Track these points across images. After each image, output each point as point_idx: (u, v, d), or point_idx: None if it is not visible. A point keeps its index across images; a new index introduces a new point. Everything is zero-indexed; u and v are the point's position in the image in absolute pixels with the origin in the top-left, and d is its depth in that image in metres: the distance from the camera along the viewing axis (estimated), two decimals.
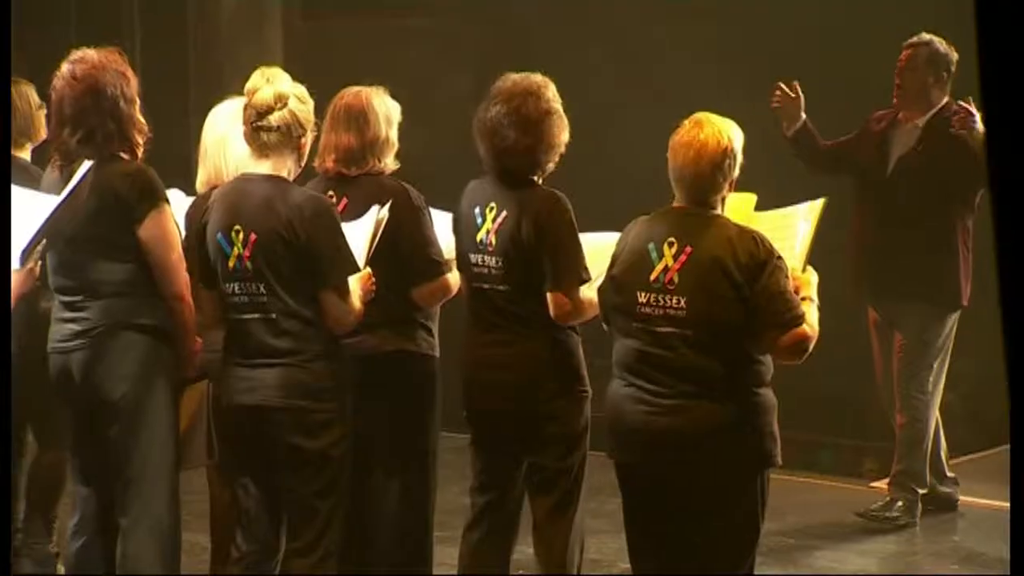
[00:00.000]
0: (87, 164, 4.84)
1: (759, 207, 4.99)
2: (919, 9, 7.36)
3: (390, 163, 5.31)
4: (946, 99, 6.87)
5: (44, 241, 4.69)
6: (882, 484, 7.28)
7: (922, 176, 6.78)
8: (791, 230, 4.93)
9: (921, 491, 7.03)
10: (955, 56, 6.81)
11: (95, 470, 5.11)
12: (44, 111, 6.04)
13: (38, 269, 4.66)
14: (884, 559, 6.74)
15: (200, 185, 5.50)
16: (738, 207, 4.85)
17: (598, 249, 5.01)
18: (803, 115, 6.92)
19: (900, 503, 6.99)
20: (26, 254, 4.60)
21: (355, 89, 5.31)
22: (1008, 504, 2.79)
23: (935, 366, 6.95)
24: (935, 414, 7.02)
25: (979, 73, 2.74)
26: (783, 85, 6.86)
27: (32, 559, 6.27)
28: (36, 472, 6.28)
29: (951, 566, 6.61)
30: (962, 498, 7.26)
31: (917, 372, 6.95)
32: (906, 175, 6.83)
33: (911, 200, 6.80)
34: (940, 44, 6.84)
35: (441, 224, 5.32)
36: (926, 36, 6.87)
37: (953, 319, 6.95)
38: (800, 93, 6.88)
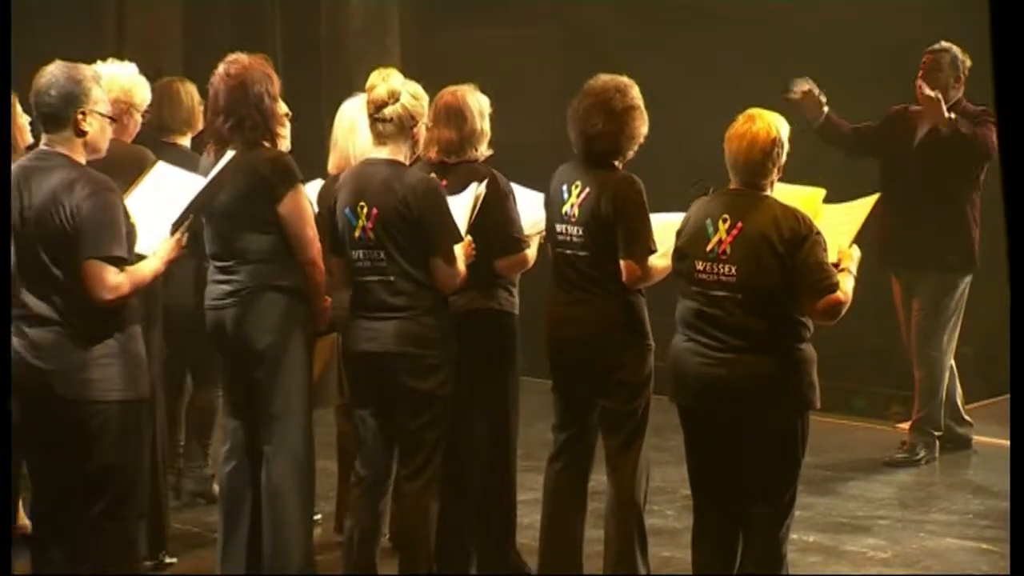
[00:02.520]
0: (229, 154, 4.86)
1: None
2: (933, 23, 7.25)
3: (483, 150, 5.27)
4: (959, 96, 6.81)
5: (191, 217, 4.73)
6: (906, 426, 7.23)
7: (936, 160, 6.70)
8: (851, 217, 4.86)
9: (937, 433, 6.99)
10: (969, 62, 6.75)
11: (243, 406, 5.12)
12: (202, 107, 6.08)
13: (184, 239, 4.68)
14: (907, 489, 6.69)
15: (331, 167, 5.53)
16: (809, 200, 4.78)
17: (665, 226, 4.97)
18: (824, 109, 6.85)
19: (919, 446, 6.97)
20: (175, 226, 4.64)
21: (452, 89, 5.25)
22: None
23: (948, 327, 6.90)
24: (948, 367, 6.97)
25: (993, 74, 2.69)
26: (799, 83, 6.77)
27: (192, 479, 6.35)
28: (193, 407, 6.35)
29: (965, 495, 6.57)
30: (976, 438, 7.20)
31: (932, 333, 6.89)
32: (922, 161, 6.74)
33: (927, 182, 6.73)
34: (958, 51, 6.78)
35: (529, 200, 5.29)
36: (946, 44, 6.80)
37: (965, 283, 6.87)
38: (816, 89, 6.79)
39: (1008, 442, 6.72)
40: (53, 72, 4.41)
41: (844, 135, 6.92)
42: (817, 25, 8.06)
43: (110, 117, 4.57)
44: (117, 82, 5.44)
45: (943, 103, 6.57)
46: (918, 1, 7.52)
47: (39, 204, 4.34)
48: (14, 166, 4.50)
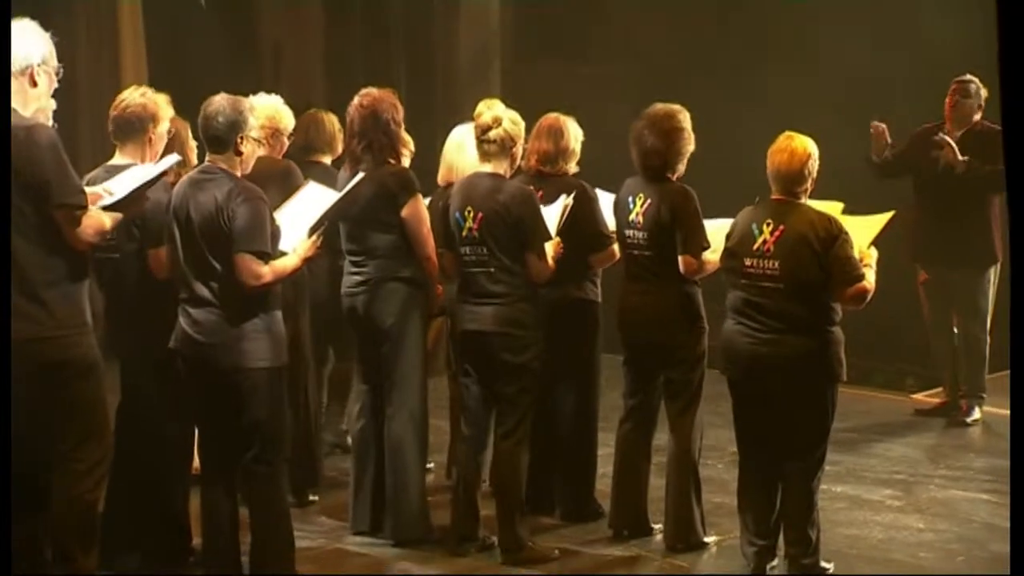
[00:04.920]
0: (360, 175, 4.86)
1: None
2: (963, 53, 7.05)
3: (572, 167, 5.25)
4: (977, 118, 6.65)
5: (326, 223, 4.72)
6: (919, 396, 7.12)
7: (959, 178, 6.53)
8: (868, 227, 4.76)
9: (984, 395, 6.79)
10: (986, 92, 6.63)
11: (371, 374, 5.12)
12: (342, 133, 6.08)
13: (319, 241, 4.67)
14: (920, 448, 6.52)
15: (440, 178, 5.51)
16: (830, 212, 4.68)
17: (715, 229, 4.90)
18: (886, 153, 6.71)
19: (975, 408, 6.80)
20: (312, 230, 4.64)
21: (555, 115, 5.26)
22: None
23: (986, 312, 6.72)
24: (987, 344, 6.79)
25: (1000, 96, 2.56)
26: (877, 123, 6.65)
27: (331, 432, 6.35)
28: (334, 375, 6.34)
29: (969, 455, 6.40)
30: (985, 408, 6.90)
31: (975, 319, 6.73)
32: (951, 173, 6.57)
33: (954, 193, 6.55)
34: (979, 82, 6.65)
35: (609, 202, 5.23)
36: (970, 76, 6.67)
37: (993, 274, 6.68)
38: (885, 131, 6.66)
39: (1004, 410, 6.66)
40: (221, 103, 4.44)
41: (889, 164, 6.80)
42: (854, 59, 7.92)
43: (259, 140, 4.60)
44: (266, 110, 5.45)
45: (956, 149, 6.48)
46: (949, 36, 7.30)
47: (204, 209, 4.37)
48: (185, 178, 4.55)
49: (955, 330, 6.84)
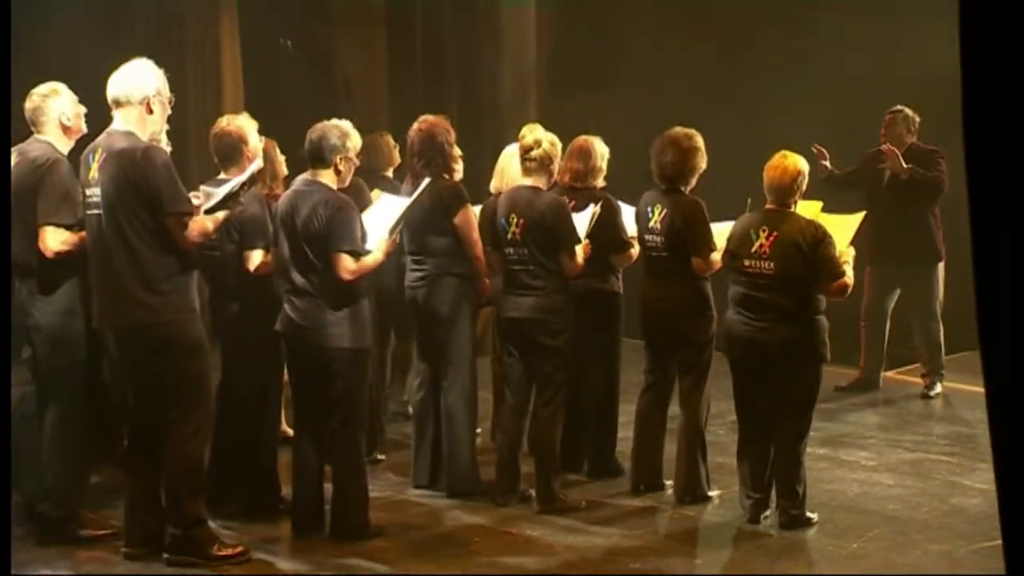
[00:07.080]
0: (426, 181, 4.87)
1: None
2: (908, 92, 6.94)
3: (600, 182, 5.23)
4: (912, 141, 6.57)
5: (402, 224, 4.73)
6: (891, 374, 7.01)
7: (904, 187, 6.45)
8: (845, 227, 4.75)
9: (943, 373, 6.71)
10: (918, 118, 6.57)
11: (429, 354, 5.14)
12: (396, 149, 6.09)
13: (398, 239, 4.68)
14: (890, 417, 6.44)
15: (492, 188, 5.50)
16: (809, 209, 4.69)
17: (720, 231, 4.89)
18: (828, 167, 6.63)
19: (937, 384, 6.72)
20: (391, 231, 4.65)
21: (585, 136, 5.24)
22: (980, 389, 2.53)
23: (939, 304, 6.64)
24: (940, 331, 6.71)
25: (963, 117, 2.48)
26: (817, 147, 6.57)
27: (395, 402, 6.34)
28: (395, 355, 6.34)
29: (931, 422, 6.32)
30: (945, 384, 6.80)
31: (930, 311, 6.63)
32: (894, 187, 6.49)
33: (900, 203, 6.47)
34: (909, 111, 6.59)
35: (629, 213, 5.22)
36: (900, 106, 6.61)
37: (940, 269, 6.60)
38: (826, 153, 6.60)
39: (968, 387, 6.62)
40: (324, 129, 4.51)
41: (840, 180, 6.71)
42: (844, 88, 7.84)
43: (352, 160, 4.63)
44: None
45: (900, 158, 6.41)
46: (935, 67, 7.16)
47: (305, 215, 4.42)
48: (290, 190, 4.59)
49: (888, 321, 6.74)
